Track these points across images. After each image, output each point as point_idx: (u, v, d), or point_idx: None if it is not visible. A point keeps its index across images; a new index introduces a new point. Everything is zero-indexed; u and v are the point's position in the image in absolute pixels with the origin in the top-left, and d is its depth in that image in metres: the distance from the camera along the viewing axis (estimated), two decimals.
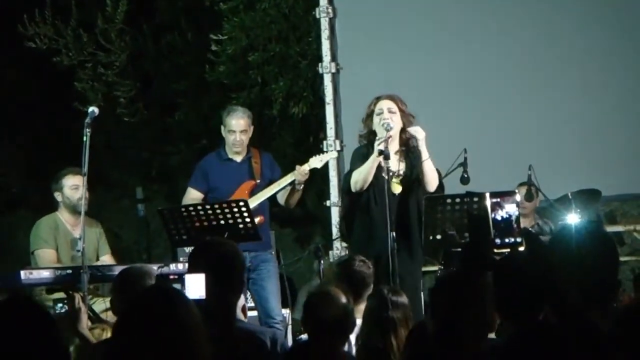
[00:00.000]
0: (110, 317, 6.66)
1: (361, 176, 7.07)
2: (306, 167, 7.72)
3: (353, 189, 7.14)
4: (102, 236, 7.96)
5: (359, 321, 5.26)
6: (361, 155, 7.17)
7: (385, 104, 7.13)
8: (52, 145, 11.66)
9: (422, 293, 7.13)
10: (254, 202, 7.58)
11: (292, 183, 7.72)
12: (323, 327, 4.81)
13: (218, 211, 6.97)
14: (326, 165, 9.10)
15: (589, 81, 8.83)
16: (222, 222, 6.95)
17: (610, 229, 9.30)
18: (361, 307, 5.80)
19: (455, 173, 7.86)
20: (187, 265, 7.05)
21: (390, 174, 6.94)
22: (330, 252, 9.19)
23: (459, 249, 6.41)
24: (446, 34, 9.10)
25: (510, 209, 6.11)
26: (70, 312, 5.70)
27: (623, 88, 8.80)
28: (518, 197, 6.22)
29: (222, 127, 7.98)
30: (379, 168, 7.01)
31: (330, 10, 9.26)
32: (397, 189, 7.03)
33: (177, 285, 5.73)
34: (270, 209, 8.03)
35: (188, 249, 8.16)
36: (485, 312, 4.04)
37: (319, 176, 9.80)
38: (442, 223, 6.56)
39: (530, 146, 8.77)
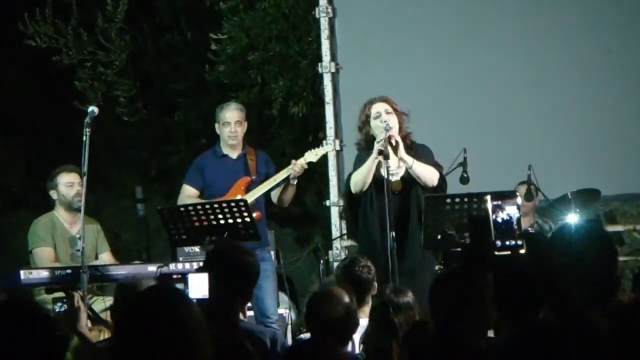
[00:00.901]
0: (109, 316, 6.66)
1: (360, 177, 7.06)
2: (303, 161, 7.72)
3: (353, 190, 7.13)
4: (100, 234, 7.96)
5: (362, 322, 5.26)
6: (362, 159, 7.15)
7: (380, 107, 7.13)
8: (52, 145, 11.65)
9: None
10: (250, 198, 7.57)
11: (287, 178, 7.72)
12: (326, 326, 4.82)
13: (218, 211, 6.96)
14: (326, 165, 9.12)
15: (589, 81, 8.83)
16: (222, 221, 6.95)
17: (610, 228, 9.30)
18: (364, 309, 5.81)
19: (455, 173, 7.86)
20: (191, 264, 7.18)
21: (391, 172, 6.93)
22: (330, 252, 9.19)
23: (459, 249, 6.41)
24: (446, 34, 9.10)
25: (511, 211, 6.08)
26: (69, 312, 5.69)
27: (623, 88, 8.80)
28: (519, 200, 6.21)
29: (217, 124, 8.01)
30: (379, 168, 6.99)
31: (329, 10, 9.27)
32: (397, 186, 7.01)
33: (180, 285, 5.76)
34: (267, 207, 8.02)
35: (188, 249, 8.20)
36: (485, 310, 4.04)
37: (319, 176, 9.81)
38: (442, 223, 6.55)
39: (530, 146, 8.77)
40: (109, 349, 3.21)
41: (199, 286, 4.67)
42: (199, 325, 3.02)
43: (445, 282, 4.19)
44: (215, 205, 7.02)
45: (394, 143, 6.86)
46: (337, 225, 9.27)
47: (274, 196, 7.87)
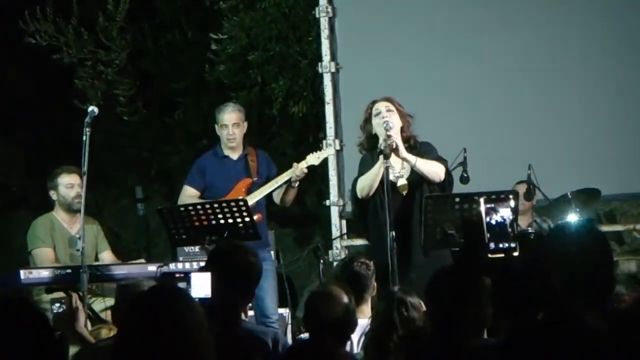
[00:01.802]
0: (109, 316, 6.67)
1: (367, 182, 6.99)
2: (304, 164, 7.72)
3: (359, 196, 7.05)
4: (99, 233, 7.96)
5: (360, 322, 5.25)
6: (367, 162, 7.13)
7: (382, 105, 7.10)
8: (52, 144, 11.65)
9: None
10: (251, 200, 7.57)
11: (289, 180, 7.72)
12: (325, 326, 4.81)
13: (218, 210, 6.96)
14: (326, 165, 9.12)
15: (588, 81, 8.83)
16: (222, 221, 6.94)
17: (609, 228, 9.32)
18: (362, 308, 5.81)
19: (455, 173, 7.85)
20: (192, 264, 7.19)
21: (396, 176, 6.90)
22: (330, 252, 9.19)
23: (458, 249, 6.41)
24: (446, 34, 9.10)
25: (505, 213, 6.08)
26: (67, 312, 5.69)
27: (623, 88, 8.80)
28: (512, 203, 6.20)
29: (216, 126, 8.00)
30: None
31: (329, 10, 9.27)
32: (404, 189, 6.98)
33: (182, 284, 5.77)
34: (267, 207, 8.02)
35: (188, 249, 8.20)
36: (481, 309, 4.04)
37: (319, 176, 9.81)
38: (442, 223, 6.54)
39: (530, 146, 8.77)
40: (110, 348, 3.20)
41: (201, 286, 4.68)
42: (201, 325, 3.02)
43: (441, 282, 4.19)
44: (215, 205, 7.01)
45: (393, 145, 6.83)
46: (337, 225, 9.27)
47: (276, 197, 7.88)
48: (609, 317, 3.49)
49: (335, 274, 6.39)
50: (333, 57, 9.27)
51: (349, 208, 8.75)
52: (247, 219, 6.96)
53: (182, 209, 7.11)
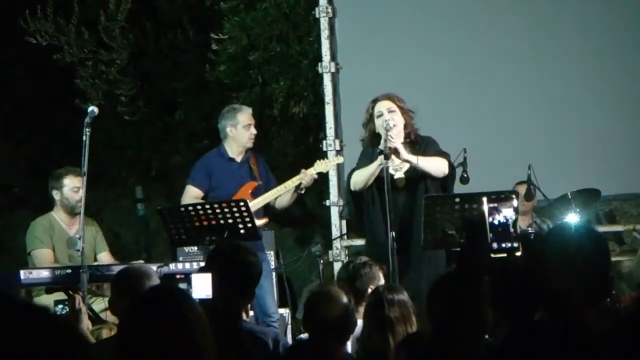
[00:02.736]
0: (109, 316, 6.67)
1: (362, 178, 7.04)
2: (313, 171, 7.76)
3: (352, 188, 7.15)
4: (98, 234, 7.93)
5: (360, 322, 5.26)
6: (368, 155, 7.15)
7: (383, 105, 7.11)
8: (53, 144, 11.66)
9: None
10: (260, 204, 7.64)
11: (298, 186, 7.76)
12: (324, 326, 4.82)
13: (218, 211, 6.96)
14: None
15: (589, 81, 8.83)
16: (222, 221, 6.95)
17: (609, 228, 9.31)
18: (362, 309, 5.81)
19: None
20: (192, 264, 7.19)
21: (394, 168, 6.93)
22: (330, 252, 9.20)
23: (459, 249, 6.41)
24: (446, 34, 9.10)
25: (508, 213, 6.09)
26: (70, 314, 5.70)
27: (623, 88, 8.80)
28: (515, 203, 6.21)
29: (230, 127, 7.90)
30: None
31: (329, 10, 9.26)
32: (401, 182, 7.00)
33: (183, 285, 5.77)
34: (265, 208, 8.03)
35: (188, 249, 8.20)
36: (482, 312, 4.04)
37: (319, 176, 9.80)
38: (442, 223, 6.55)
39: (530, 146, 8.77)
40: (110, 347, 3.20)
41: (202, 286, 4.68)
42: (202, 326, 3.02)
43: (442, 285, 4.19)
44: (215, 205, 7.02)
45: (392, 147, 6.85)
46: (337, 225, 9.27)
47: (278, 201, 7.90)
48: (608, 317, 3.49)
49: (338, 274, 6.38)
50: (333, 57, 9.26)
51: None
52: (247, 220, 6.96)
53: (182, 209, 7.12)
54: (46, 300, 6.95)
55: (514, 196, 6.26)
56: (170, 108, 11.87)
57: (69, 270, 6.99)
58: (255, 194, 7.81)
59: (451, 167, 7.17)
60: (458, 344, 3.94)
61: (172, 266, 7.29)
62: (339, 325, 4.84)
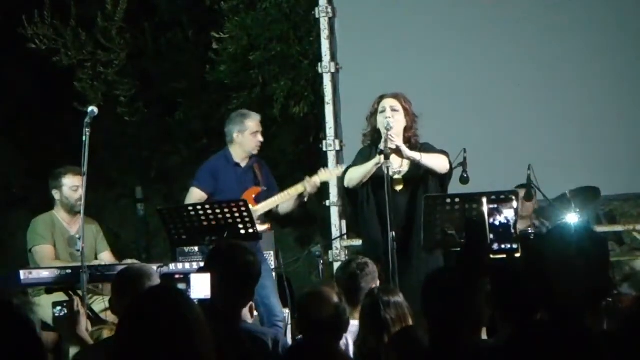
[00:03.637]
0: (109, 316, 6.67)
1: (357, 175, 7.06)
2: (317, 180, 7.77)
3: (346, 185, 7.18)
4: (99, 234, 7.92)
5: (354, 322, 5.26)
6: (365, 154, 7.15)
7: (388, 103, 7.11)
8: (52, 145, 11.66)
9: None
10: (264, 209, 7.67)
11: (301, 194, 7.78)
12: (316, 326, 4.84)
13: (218, 211, 6.96)
14: (326, 165, 9.11)
15: (589, 81, 8.82)
16: (222, 222, 6.95)
17: (609, 228, 9.31)
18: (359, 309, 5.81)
19: (455, 173, 7.85)
20: (191, 264, 7.19)
21: (393, 171, 6.93)
22: (330, 252, 9.20)
23: (458, 249, 6.41)
24: (446, 34, 9.09)
25: (508, 214, 6.08)
26: (69, 316, 5.70)
27: (623, 87, 8.80)
28: (515, 204, 6.20)
29: (237, 133, 7.89)
30: (379, 167, 6.98)
31: (329, 10, 9.26)
32: (399, 184, 7.01)
33: (182, 285, 5.77)
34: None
35: (188, 249, 8.21)
36: (478, 308, 4.05)
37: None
38: (442, 223, 6.55)
39: (530, 146, 8.76)
40: (108, 348, 3.20)
41: (201, 287, 4.68)
42: (201, 326, 3.02)
43: (437, 281, 4.19)
44: (215, 206, 7.02)
45: (393, 147, 6.85)
46: (337, 225, 9.27)
47: (281, 207, 7.91)
48: (608, 318, 3.49)
49: (336, 275, 6.38)
50: (333, 57, 9.26)
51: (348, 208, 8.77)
52: (247, 220, 6.97)
53: (182, 209, 7.12)
54: (46, 300, 6.96)
55: (513, 197, 6.25)
56: (170, 108, 11.87)
57: (69, 271, 6.98)
58: (258, 199, 7.83)
59: (450, 163, 7.19)
60: (454, 340, 3.94)
61: (172, 266, 7.29)
62: (330, 324, 4.86)
